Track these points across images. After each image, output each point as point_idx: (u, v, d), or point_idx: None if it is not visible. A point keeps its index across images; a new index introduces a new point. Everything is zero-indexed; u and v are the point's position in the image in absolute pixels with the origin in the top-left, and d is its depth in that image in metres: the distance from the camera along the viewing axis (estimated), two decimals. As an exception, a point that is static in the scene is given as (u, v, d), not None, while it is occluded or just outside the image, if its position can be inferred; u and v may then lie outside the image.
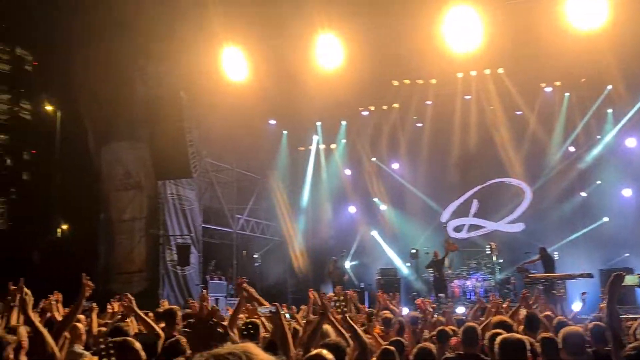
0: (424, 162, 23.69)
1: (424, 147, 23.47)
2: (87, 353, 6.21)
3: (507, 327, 6.19)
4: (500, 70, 20.26)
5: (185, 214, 21.88)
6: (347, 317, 6.30)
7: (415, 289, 21.69)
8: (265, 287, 21.34)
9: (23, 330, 4.74)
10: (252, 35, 17.59)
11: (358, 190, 24.93)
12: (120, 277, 20.81)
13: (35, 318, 7.13)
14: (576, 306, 15.76)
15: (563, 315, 10.20)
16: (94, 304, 8.09)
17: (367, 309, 12.10)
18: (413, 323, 8.56)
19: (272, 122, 24.12)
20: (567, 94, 21.85)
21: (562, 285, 17.23)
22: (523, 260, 19.28)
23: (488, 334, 5.79)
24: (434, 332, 7.32)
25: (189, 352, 5.09)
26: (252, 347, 2.00)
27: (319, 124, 24.74)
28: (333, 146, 25.49)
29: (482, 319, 8.53)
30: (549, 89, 21.74)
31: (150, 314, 7.83)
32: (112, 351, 4.23)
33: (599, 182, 21.58)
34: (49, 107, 27.18)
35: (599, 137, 22.08)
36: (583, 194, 21.91)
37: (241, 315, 7.66)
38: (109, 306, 9.21)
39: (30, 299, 5.28)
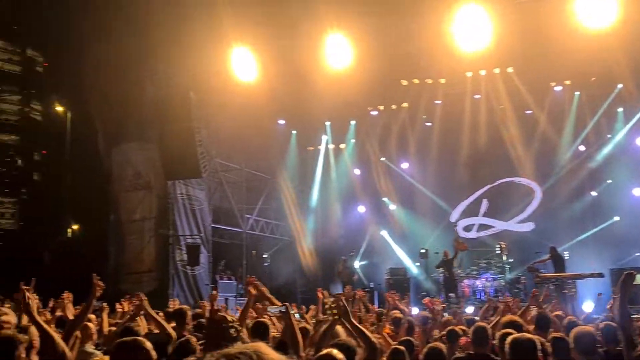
0: (433, 162, 23.64)
1: (433, 147, 23.42)
2: (98, 352, 6.24)
3: (518, 327, 6.17)
4: (510, 69, 20.18)
5: (195, 214, 21.93)
6: (355, 319, 6.28)
7: (424, 288, 21.65)
8: (275, 287, 21.33)
9: (34, 330, 4.76)
10: (261, 36, 17.61)
11: (367, 190, 24.91)
12: (130, 277, 20.87)
13: (41, 319, 7.19)
14: (587, 306, 15.72)
15: (574, 315, 10.16)
16: (105, 304, 8.14)
17: (376, 309, 12.10)
18: (423, 323, 8.55)
19: (282, 122, 24.14)
20: (577, 93, 21.76)
21: (572, 284, 17.16)
22: (533, 259, 19.20)
23: (498, 334, 5.79)
24: (444, 332, 7.31)
25: (199, 352, 5.11)
26: (263, 346, 2.00)
27: (328, 123, 24.73)
28: (342, 146, 25.49)
29: (492, 318, 8.51)
30: (558, 88, 21.64)
31: (161, 314, 7.86)
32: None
33: (609, 181, 21.49)
34: (59, 108, 27.29)
35: (609, 136, 21.99)
36: (593, 193, 21.82)
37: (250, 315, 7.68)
38: (118, 306, 9.24)
39: (34, 302, 5.31)
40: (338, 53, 17.29)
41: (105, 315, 7.83)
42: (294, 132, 24.96)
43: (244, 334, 5.49)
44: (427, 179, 23.97)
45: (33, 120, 28.03)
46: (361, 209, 25.14)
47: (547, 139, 22.10)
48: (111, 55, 19.39)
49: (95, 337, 6.84)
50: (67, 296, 8.22)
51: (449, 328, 7.32)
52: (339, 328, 5.69)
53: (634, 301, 15.45)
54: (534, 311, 8.49)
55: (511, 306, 8.83)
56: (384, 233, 24.24)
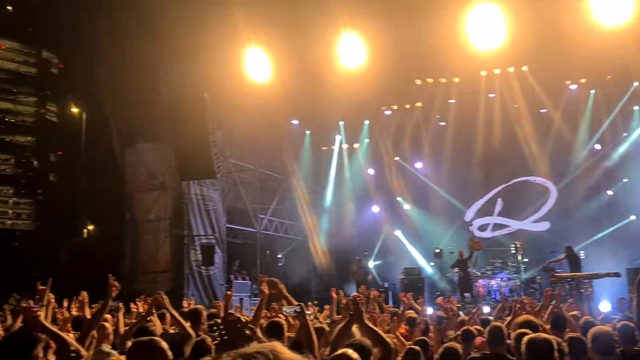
0: (447, 161, 23.57)
1: (447, 146, 23.36)
2: (114, 352, 6.27)
3: (533, 327, 6.13)
4: (525, 68, 20.07)
5: (209, 214, 22.00)
6: (369, 320, 6.27)
7: (439, 288, 21.59)
8: (290, 287, 21.11)
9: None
10: (275, 36, 17.63)
11: (381, 190, 24.89)
12: (145, 277, 20.99)
13: (59, 317, 7.23)
14: (604, 306, 15.62)
15: (591, 315, 10.09)
16: (121, 304, 8.17)
17: (391, 309, 12.07)
18: (439, 323, 8.53)
19: (295, 122, 24.18)
20: (592, 91, 21.60)
21: (589, 284, 17.04)
22: (548, 259, 19.11)
23: (514, 334, 5.75)
24: (459, 332, 7.29)
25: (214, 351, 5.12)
26: (279, 346, 2.00)
27: (341, 123, 24.70)
28: (356, 146, 25.47)
29: (506, 318, 8.46)
30: (574, 87, 21.48)
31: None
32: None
33: (625, 180, 21.36)
34: (74, 110, 27.48)
35: (625, 134, 21.84)
36: (609, 192, 21.68)
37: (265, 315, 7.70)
38: (133, 306, 9.28)
39: (52, 303, 5.34)
40: (351, 53, 17.28)
41: (121, 315, 7.86)
42: (308, 132, 24.98)
43: (258, 333, 5.50)
44: (441, 179, 23.90)
45: (49, 121, 28.22)
46: (375, 208, 25.11)
47: (562, 138, 21.97)
48: (126, 56, 19.51)
49: (111, 337, 6.87)
50: (83, 297, 8.27)
51: (464, 328, 7.29)
52: (354, 328, 5.68)
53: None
54: (548, 311, 8.43)
55: (526, 306, 8.78)
56: (398, 233, 24.21)
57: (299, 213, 24.87)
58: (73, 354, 4.63)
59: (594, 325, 6.53)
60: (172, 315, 6.68)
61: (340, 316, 7.11)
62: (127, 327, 7.29)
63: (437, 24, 16.84)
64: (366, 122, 24.63)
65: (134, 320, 7.83)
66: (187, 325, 6.23)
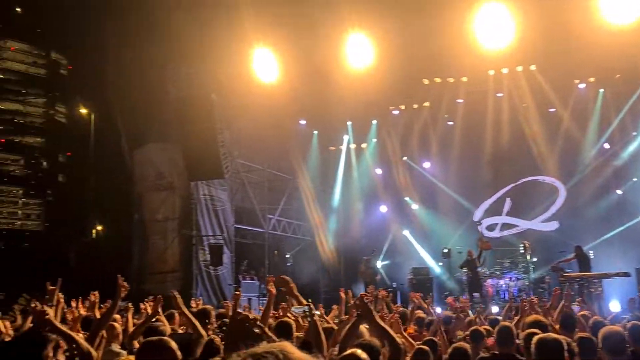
0: (455, 161, 23.52)
1: (455, 146, 23.30)
2: (124, 352, 6.29)
3: (543, 327, 6.11)
4: (533, 67, 19.99)
5: (218, 214, 22.04)
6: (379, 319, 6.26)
7: (447, 288, 21.55)
8: (298, 287, 21.24)
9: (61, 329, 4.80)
10: (282, 36, 17.63)
11: (389, 190, 24.87)
12: (154, 277, 21.03)
13: (69, 317, 7.25)
14: (613, 306, 15.55)
15: (600, 314, 10.05)
16: (130, 304, 8.20)
17: (400, 308, 12.04)
18: (446, 322, 8.51)
19: (303, 122, 24.17)
20: (601, 90, 21.49)
21: (598, 284, 16.96)
22: (557, 259, 19.04)
23: (523, 334, 5.74)
24: (467, 332, 7.27)
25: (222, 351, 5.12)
26: (288, 345, 2.00)
27: (349, 123, 24.68)
28: (364, 145, 25.45)
29: (515, 317, 8.43)
30: (582, 86, 21.39)
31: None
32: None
33: (635, 179, 21.25)
34: (83, 110, 27.63)
35: (634, 133, 21.71)
36: (619, 192, 21.57)
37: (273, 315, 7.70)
38: (142, 306, 9.30)
39: (61, 303, 5.35)
40: (359, 52, 17.28)
41: (130, 316, 7.88)
42: (316, 132, 24.98)
43: (267, 332, 5.50)
44: (449, 178, 23.84)
45: (58, 122, 28.39)
46: (383, 208, 25.09)
47: (571, 137, 21.87)
48: (134, 57, 19.57)
49: (121, 337, 6.90)
50: (94, 297, 8.30)
51: (473, 328, 7.27)
52: (363, 328, 5.68)
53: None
54: (557, 310, 8.39)
55: (535, 306, 8.75)
56: (406, 232, 24.19)
57: (307, 213, 24.88)
58: (83, 354, 4.64)
59: (603, 325, 6.49)
60: (184, 315, 6.69)
61: (348, 316, 7.10)
62: (134, 328, 7.31)
63: (444, 24, 16.78)
64: (374, 122, 24.61)
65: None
66: (199, 325, 6.23)
